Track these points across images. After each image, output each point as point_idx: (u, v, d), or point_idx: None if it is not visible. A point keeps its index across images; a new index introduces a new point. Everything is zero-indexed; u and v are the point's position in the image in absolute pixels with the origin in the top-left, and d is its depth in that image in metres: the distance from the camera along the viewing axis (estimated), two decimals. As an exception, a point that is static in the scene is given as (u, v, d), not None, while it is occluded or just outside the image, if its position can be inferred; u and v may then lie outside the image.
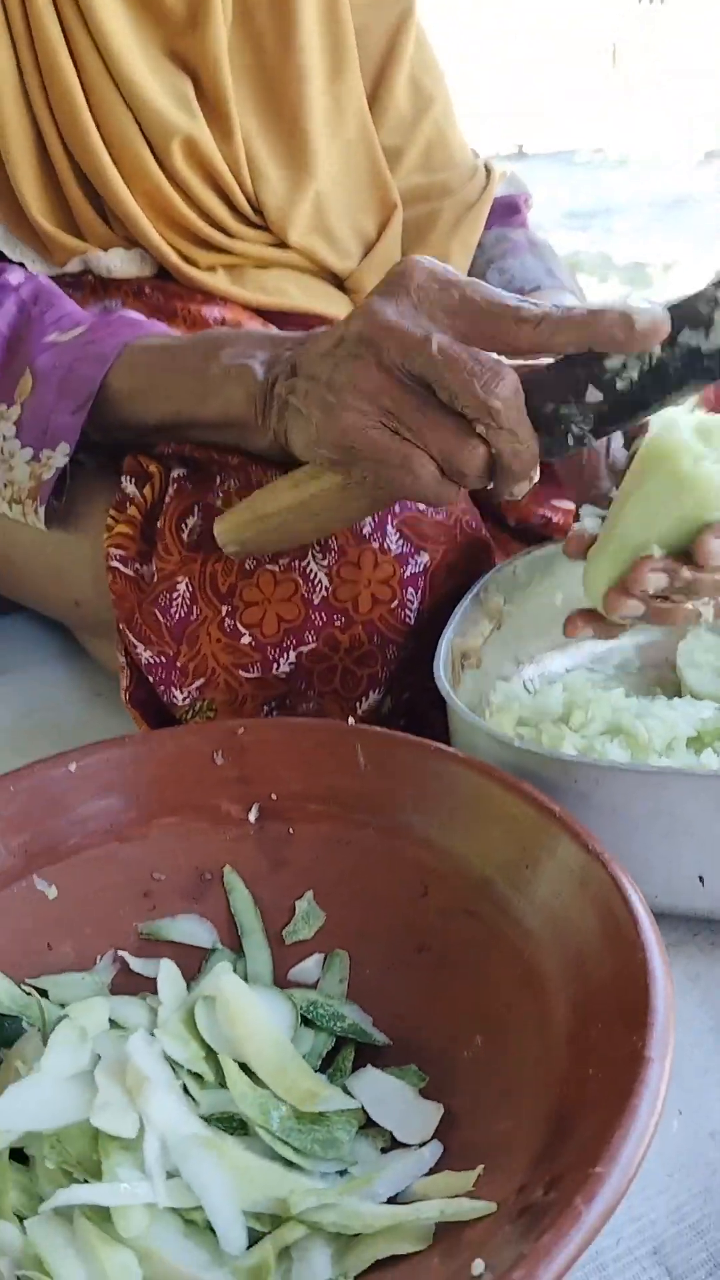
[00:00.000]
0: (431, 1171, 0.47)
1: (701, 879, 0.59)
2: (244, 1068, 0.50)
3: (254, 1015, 0.52)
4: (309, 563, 0.72)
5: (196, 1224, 0.44)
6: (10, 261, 0.92)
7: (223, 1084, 0.49)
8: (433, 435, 0.59)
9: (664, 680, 0.80)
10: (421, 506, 0.74)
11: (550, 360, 0.61)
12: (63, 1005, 0.53)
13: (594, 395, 0.59)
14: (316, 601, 0.72)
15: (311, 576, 0.72)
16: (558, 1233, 0.36)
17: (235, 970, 0.56)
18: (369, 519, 0.72)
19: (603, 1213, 0.36)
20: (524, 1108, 0.46)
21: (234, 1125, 0.48)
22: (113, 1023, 0.52)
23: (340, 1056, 0.53)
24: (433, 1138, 0.48)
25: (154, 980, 0.55)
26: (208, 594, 0.73)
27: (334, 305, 0.97)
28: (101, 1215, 0.43)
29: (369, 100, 1.00)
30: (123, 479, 0.78)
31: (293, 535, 0.70)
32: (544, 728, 0.69)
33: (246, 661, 0.72)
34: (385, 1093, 0.50)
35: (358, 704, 0.74)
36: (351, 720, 0.72)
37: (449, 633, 0.69)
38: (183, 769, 0.62)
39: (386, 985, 0.55)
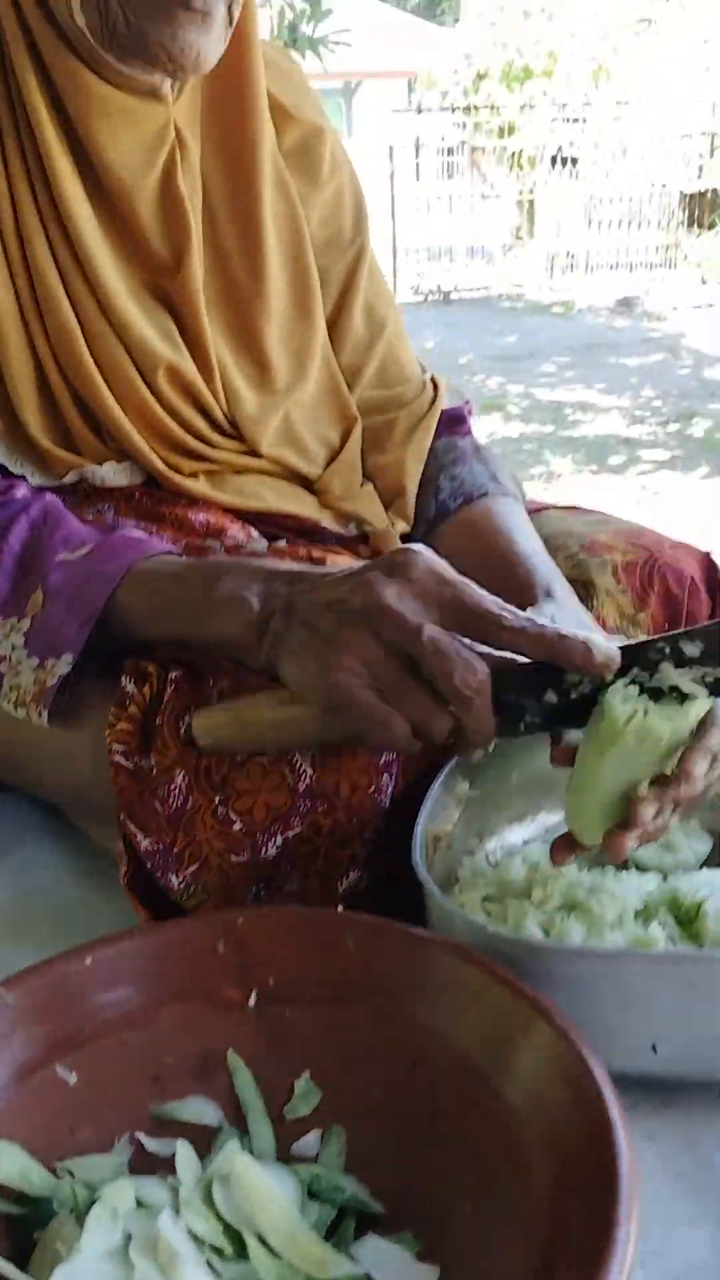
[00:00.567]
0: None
1: (654, 1046, 0.67)
2: (259, 1239, 0.56)
3: (266, 1190, 0.58)
4: (295, 753, 0.80)
5: None
6: (12, 474, 1.01)
7: (241, 1255, 0.55)
8: (411, 703, 0.70)
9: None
10: None
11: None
12: (88, 1186, 0.59)
13: (551, 697, 0.71)
14: (302, 789, 0.80)
15: (297, 766, 0.80)
16: None
17: (242, 1147, 0.62)
18: None
19: None
20: (511, 1268, 0.52)
21: (256, 1295, 0.53)
22: (137, 1201, 0.58)
23: (343, 1225, 0.59)
24: (430, 1298, 0.54)
25: (167, 1158, 0.61)
26: (202, 784, 0.81)
27: (304, 506, 1.07)
28: None
29: (330, 325, 1.12)
30: (123, 678, 0.86)
31: (265, 745, 0.79)
32: (509, 904, 0.77)
33: (237, 847, 0.80)
34: (386, 1258, 0.56)
35: (339, 883, 0.81)
36: (339, 907, 0.79)
37: (422, 819, 0.77)
38: (188, 958, 0.69)
39: (381, 1156, 0.62)
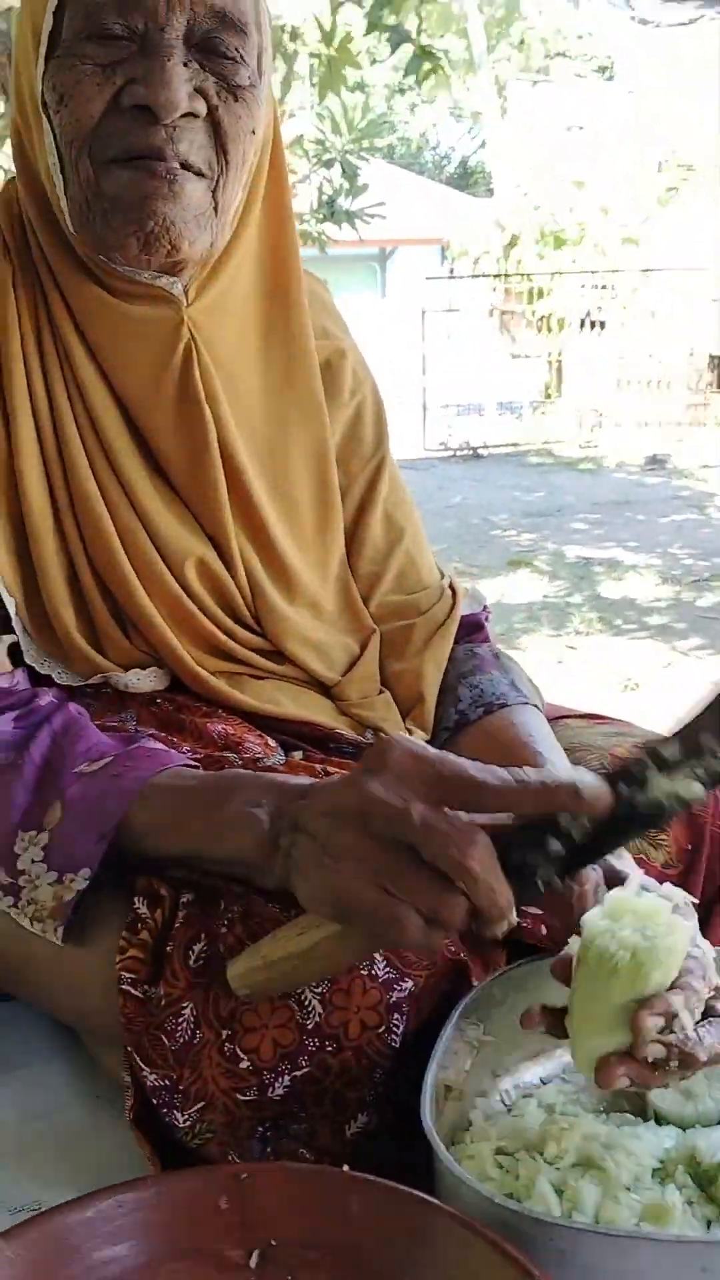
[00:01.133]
0: None
1: (670, 1331, 0.64)
2: None
3: None
4: (304, 990, 0.79)
5: None
6: (39, 674, 1.03)
7: None
8: (418, 893, 0.69)
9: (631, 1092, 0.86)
10: None
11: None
12: None
13: (555, 846, 0.70)
14: (310, 1027, 0.79)
15: (306, 1003, 0.79)
16: None
17: None
18: None
19: None
20: None
21: None
22: None
23: None
24: None
25: None
26: (210, 1018, 0.80)
27: (321, 713, 1.08)
28: None
29: (350, 532, 1.15)
30: (136, 899, 0.86)
31: (299, 979, 0.77)
32: (521, 1161, 0.74)
33: (244, 1085, 0.78)
34: None
35: (347, 1126, 0.80)
36: (348, 1150, 0.77)
37: (432, 1069, 0.76)
38: (190, 1214, 0.67)
39: None
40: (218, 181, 0.94)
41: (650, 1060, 0.72)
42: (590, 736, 1.12)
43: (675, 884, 0.83)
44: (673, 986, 0.73)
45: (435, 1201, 0.65)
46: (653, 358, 12.15)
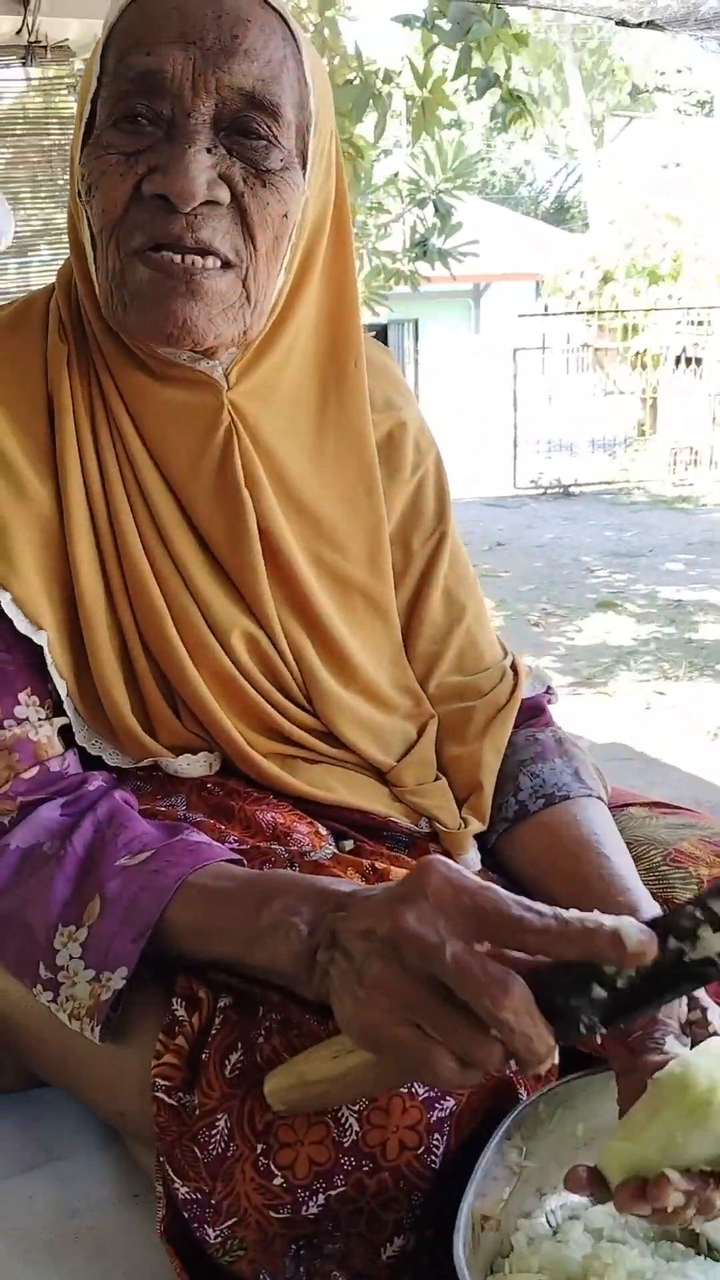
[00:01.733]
0: None
1: None
2: None
3: None
4: (341, 1107, 0.77)
5: None
6: (90, 754, 1.02)
7: None
8: (452, 1034, 0.66)
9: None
10: None
11: None
12: None
13: (599, 992, 0.66)
14: (347, 1145, 0.76)
15: (343, 1120, 0.77)
16: None
17: None
18: None
19: None
20: None
21: None
22: None
23: None
24: None
25: None
26: (245, 1131, 0.78)
27: (374, 800, 1.06)
28: None
29: (409, 610, 1.13)
30: (174, 1001, 0.84)
31: (334, 1100, 0.75)
32: (562, 1300, 0.71)
33: (277, 1203, 0.76)
34: None
35: (383, 1248, 0.77)
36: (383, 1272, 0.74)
37: (469, 1197, 0.73)
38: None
39: None
40: (247, 270, 0.91)
41: (670, 1209, 0.68)
42: (654, 829, 1.08)
43: None
44: None
45: None
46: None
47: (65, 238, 1.05)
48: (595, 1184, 0.71)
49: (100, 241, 0.91)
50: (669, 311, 12.70)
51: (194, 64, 0.87)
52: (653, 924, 0.66)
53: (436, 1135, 0.77)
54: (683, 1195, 0.66)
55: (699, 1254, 0.77)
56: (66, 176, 3.26)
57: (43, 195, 5.28)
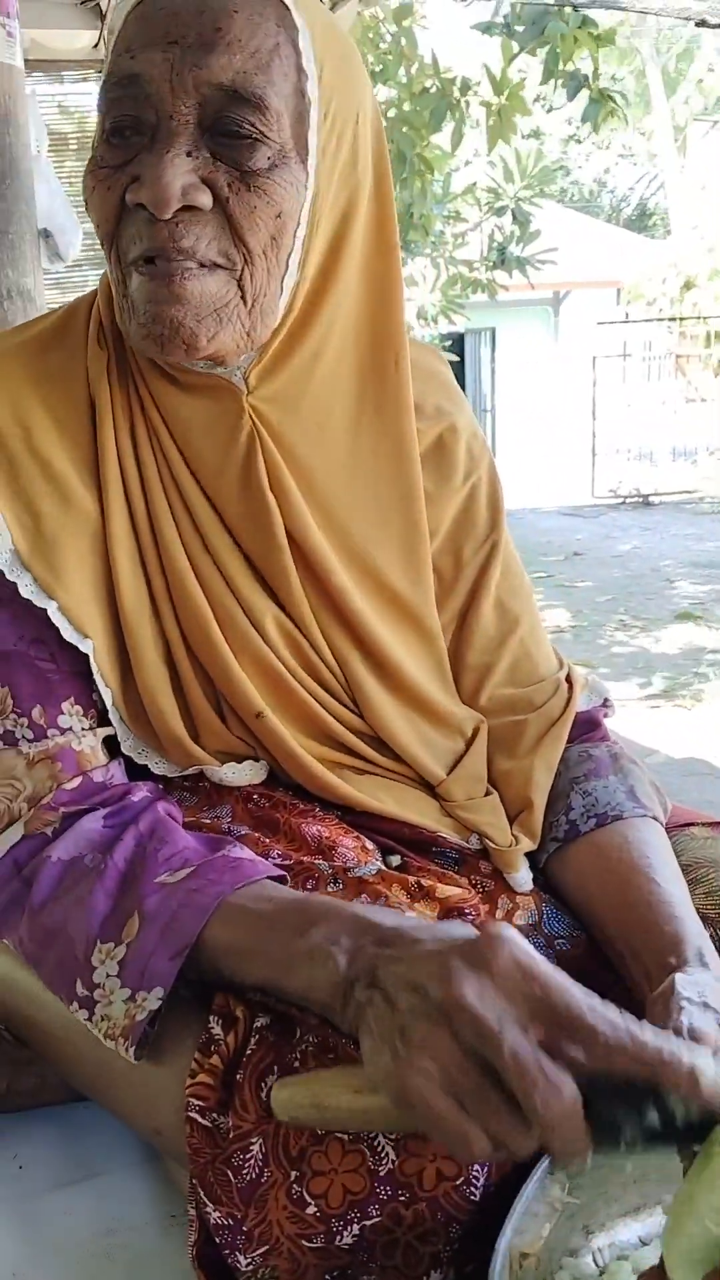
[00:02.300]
0: None
1: None
2: None
3: None
4: (377, 1134, 0.74)
5: None
6: (136, 763, 1.01)
7: None
8: (491, 1118, 0.64)
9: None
10: None
11: None
12: None
13: (652, 1117, 0.63)
14: (382, 1174, 0.74)
15: (378, 1148, 0.74)
16: None
17: None
18: None
19: None
20: None
21: None
22: None
23: None
24: None
25: None
26: (279, 1156, 0.75)
27: (423, 814, 1.03)
28: None
29: (459, 620, 1.10)
30: (211, 1019, 0.83)
31: (341, 1128, 0.73)
32: (604, 1348, 0.67)
33: (310, 1232, 0.74)
34: None
35: (420, 1282, 0.74)
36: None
37: (507, 1233, 0.69)
38: None
39: None
40: (242, 271, 0.88)
41: None
42: (713, 850, 1.03)
43: None
44: None
45: None
46: None
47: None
48: None
49: (105, 254, 0.91)
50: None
51: (172, 64, 0.84)
52: None
53: (476, 1166, 0.74)
54: None
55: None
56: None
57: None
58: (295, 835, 0.98)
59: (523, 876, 1.02)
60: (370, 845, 1.00)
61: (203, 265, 0.86)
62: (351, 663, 1.02)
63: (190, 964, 0.81)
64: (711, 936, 0.94)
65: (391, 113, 6.49)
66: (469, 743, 1.08)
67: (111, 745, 1.01)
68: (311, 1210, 0.74)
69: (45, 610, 0.94)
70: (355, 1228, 0.73)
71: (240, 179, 0.86)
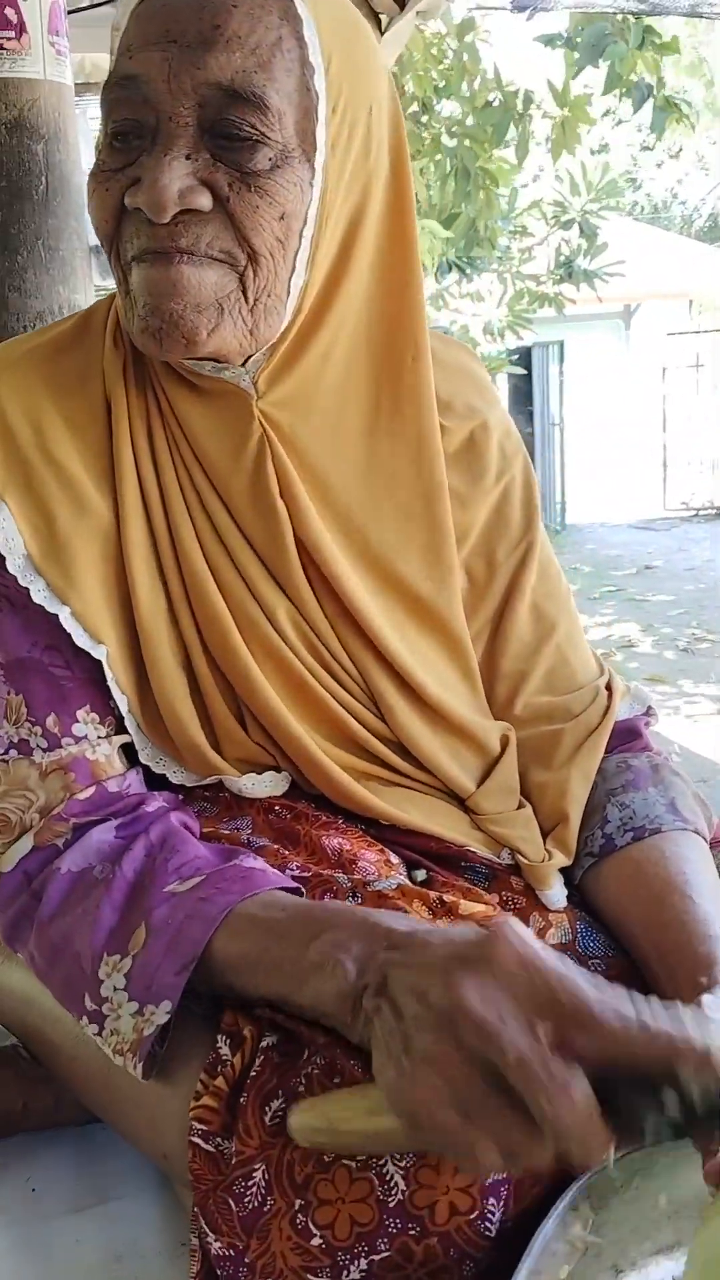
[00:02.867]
0: None
1: None
2: None
3: None
4: (386, 1162, 0.70)
5: None
6: (154, 773, 0.99)
7: None
8: (501, 1127, 0.60)
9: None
10: None
11: None
12: None
13: (671, 1101, 0.59)
14: (392, 1205, 0.70)
15: (388, 1177, 0.70)
16: None
17: None
18: None
19: None
20: None
21: None
22: None
23: None
24: None
25: None
26: (284, 1184, 0.72)
27: (451, 828, 0.99)
28: None
29: (493, 626, 1.05)
30: (219, 1038, 0.79)
31: (362, 1151, 0.69)
32: None
33: (316, 1265, 0.70)
34: None
35: (430, 1322, 0.70)
36: None
37: (522, 1273, 0.65)
38: None
39: None
40: (245, 268, 0.85)
41: None
42: (761, 865, 0.98)
43: None
44: None
45: None
46: None
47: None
48: None
49: (107, 255, 0.89)
50: None
51: (170, 64, 0.81)
52: None
53: (492, 1199, 0.70)
54: None
55: None
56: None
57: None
58: (315, 848, 0.94)
59: (556, 893, 0.97)
60: (395, 859, 0.96)
61: (205, 258, 0.84)
62: (371, 672, 0.98)
63: (200, 977, 0.78)
64: None
65: (455, 128, 6.46)
66: (499, 754, 1.03)
67: (130, 753, 0.98)
68: (317, 1241, 0.70)
69: (58, 616, 0.92)
70: (363, 1262, 0.69)
71: (241, 179, 0.83)
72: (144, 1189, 0.91)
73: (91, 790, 0.92)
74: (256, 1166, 0.73)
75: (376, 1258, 0.69)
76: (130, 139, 0.84)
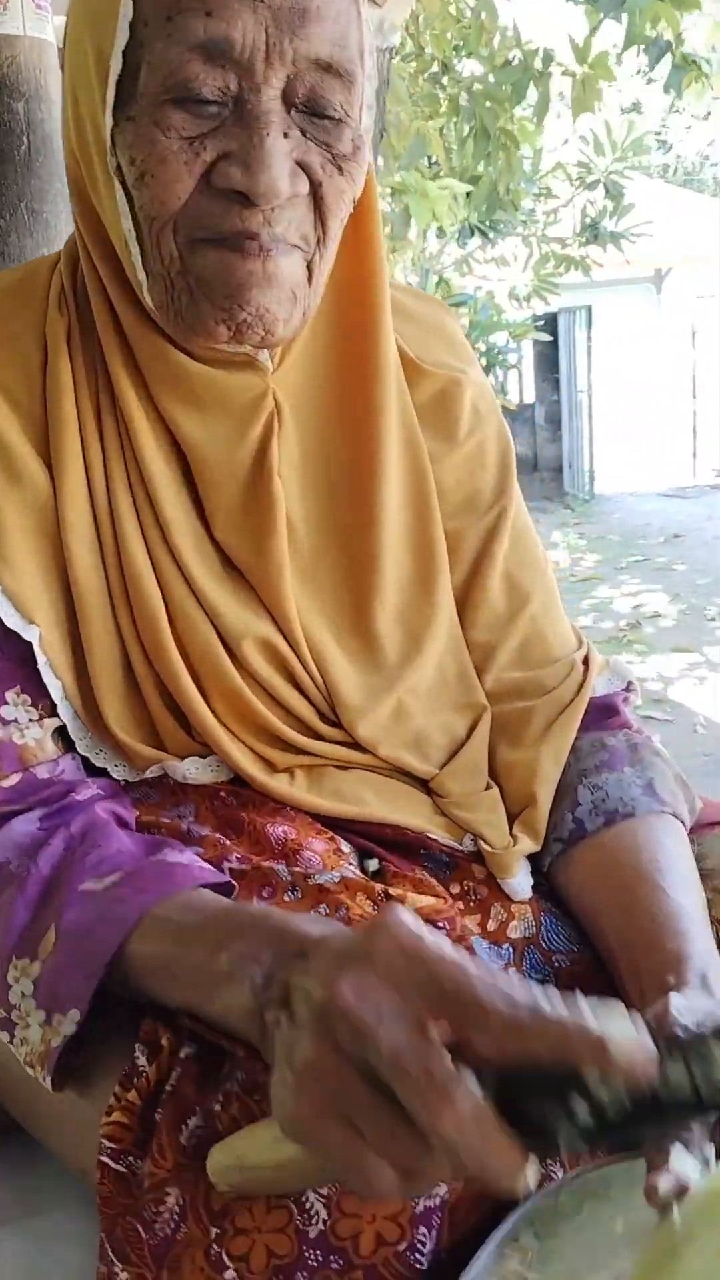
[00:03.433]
0: None
1: None
2: None
3: None
4: (306, 1190, 0.64)
5: None
6: (95, 766, 0.92)
7: None
8: (389, 1140, 0.52)
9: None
10: None
11: None
12: None
13: (580, 1106, 0.52)
14: (312, 1235, 0.63)
15: (308, 1206, 0.63)
16: None
17: None
18: None
19: None
20: None
21: None
22: None
23: None
24: None
25: None
26: (199, 1210, 0.65)
27: (411, 814, 0.92)
28: None
29: (463, 597, 0.98)
30: (136, 1047, 0.73)
31: (280, 1188, 0.63)
32: None
33: (230, 1301, 0.63)
34: None
35: None
36: None
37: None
38: None
39: None
40: (314, 253, 0.82)
41: None
42: (746, 852, 0.90)
43: None
44: None
45: None
46: None
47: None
48: None
49: (149, 229, 0.80)
50: None
51: (266, 29, 0.73)
52: (671, 1041, 0.53)
53: (423, 1228, 0.63)
54: None
55: None
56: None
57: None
58: (259, 836, 0.87)
59: (519, 882, 0.89)
60: (346, 848, 0.89)
61: (288, 244, 0.80)
62: (334, 664, 0.92)
63: (116, 983, 0.72)
64: None
65: (475, 87, 6.31)
66: (470, 729, 0.96)
67: (69, 736, 0.92)
68: (230, 1275, 0.63)
69: None
70: (281, 1298, 0.63)
71: (333, 162, 0.79)
72: (72, 1203, 0.84)
73: (17, 777, 0.86)
74: (169, 1191, 0.66)
75: (296, 1292, 0.63)
76: (207, 104, 0.76)
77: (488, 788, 0.95)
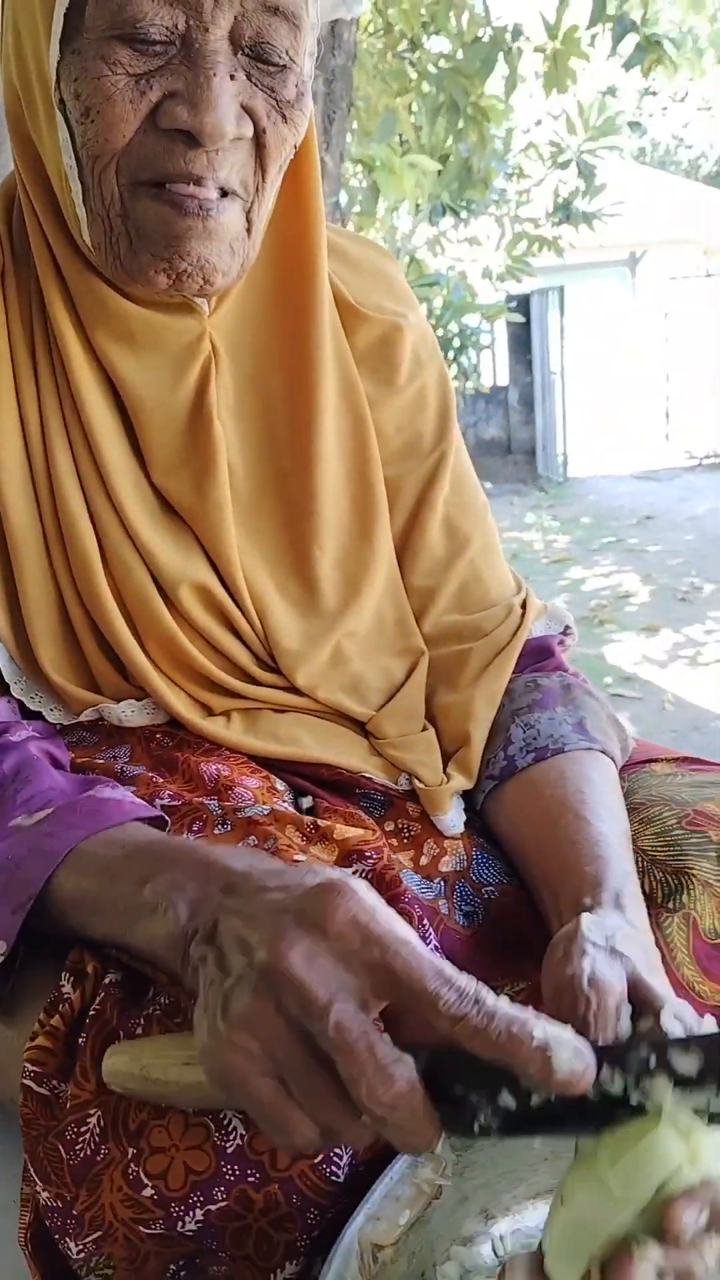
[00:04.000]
0: None
1: None
2: None
3: None
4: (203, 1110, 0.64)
5: None
6: (30, 709, 0.93)
7: None
8: (318, 1104, 0.54)
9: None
10: None
11: None
12: None
13: (507, 1099, 0.53)
14: (230, 1151, 0.64)
15: (225, 1122, 0.64)
16: None
17: None
18: None
19: None
20: None
21: None
22: None
23: None
24: None
25: None
26: (118, 1131, 0.66)
27: (347, 754, 0.92)
28: None
29: (403, 541, 0.99)
30: (62, 975, 0.73)
31: (178, 1104, 0.63)
32: None
33: (148, 1217, 0.64)
34: None
35: (274, 1274, 0.64)
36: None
37: (356, 1220, 0.59)
38: None
39: None
40: (253, 201, 0.82)
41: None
42: (674, 788, 0.90)
43: None
44: None
45: None
46: None
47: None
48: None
49: (92, 167, 0.79)
50: None
51: None
52: (603, 1049, 0.53)
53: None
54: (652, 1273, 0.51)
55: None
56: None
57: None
58: (192, 775, 0.88)
59: (451, 819, 0.90)
60: (281, 786, 0.90)
61: (225, 194, 0.80)
62: (273, 608, 0.93)
63: (44, 917, 0.72)
64: (660, 880, 0.82)
65: (443, 63, 6.28)
66: (408, 672, 0.97)
67: (3, 680, 0.92)
68: (148, 1193, 0.64)
69: None
70: (199, 1212, 0.63)
71: (277, 108, 0.79)
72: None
73: (-51, 717, 0.86)
74: (91, 1112, 0.67)
75: (213, 1207, 0.63)
76: (156, 44, 0.75)
77: (424, 729, 0.95)
